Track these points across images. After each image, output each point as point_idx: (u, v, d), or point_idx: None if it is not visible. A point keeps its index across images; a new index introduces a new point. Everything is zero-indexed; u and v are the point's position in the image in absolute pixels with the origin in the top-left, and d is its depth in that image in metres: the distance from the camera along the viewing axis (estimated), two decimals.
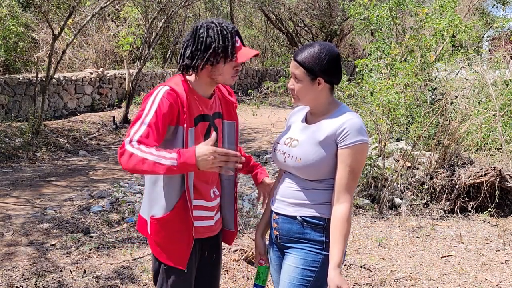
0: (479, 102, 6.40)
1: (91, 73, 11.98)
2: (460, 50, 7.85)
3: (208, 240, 2.24)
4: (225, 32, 2.03)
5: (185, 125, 2.02)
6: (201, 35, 2.04)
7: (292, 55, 2.06)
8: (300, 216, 2.04)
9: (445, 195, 5.49)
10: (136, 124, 1.97)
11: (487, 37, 16.07)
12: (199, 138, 2.10)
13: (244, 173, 2.47)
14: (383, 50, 6.99)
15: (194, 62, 2.04)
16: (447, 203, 5.46)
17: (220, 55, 2.02)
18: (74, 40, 10.74)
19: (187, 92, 2.05)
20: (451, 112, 5.91)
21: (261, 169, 2.45)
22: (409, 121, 6.23)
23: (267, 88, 7.86)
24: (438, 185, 5.50)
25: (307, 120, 2.13)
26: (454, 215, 5.38)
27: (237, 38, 2.07)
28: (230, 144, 2.29)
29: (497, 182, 5.31)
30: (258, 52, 2.10)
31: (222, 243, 2.39)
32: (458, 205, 5.43)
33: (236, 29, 2.08)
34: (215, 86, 2.17)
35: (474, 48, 10.92)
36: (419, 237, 4.82)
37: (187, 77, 2.13)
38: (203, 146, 1.89)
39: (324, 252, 2.01)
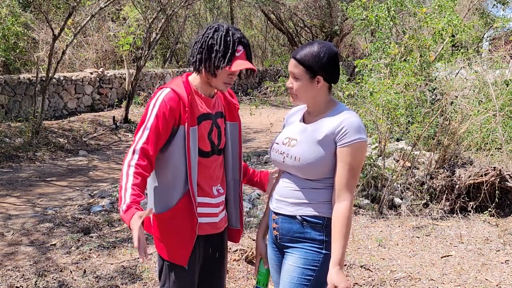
0: (479, 102, 6.40)
1: (91, 73, 11.98)
2: (460, 50, 7.85)
3: (212, 238, 2.24)
4: (228, 39, 2.06)
5: (186, 124, 2.05)
6: (207, 35, 2.08)
7: (291, 55, 2.07)
8: (300, 216, 2.04)
9: (445, 195, 5.49)
10: (140, 130, 2.04)
11: (487, 37, 16.07)
12: (203, 137, 2.13)
13: (243, 183, 2.46)
14: (383, 50, 6.99)
15: (201, 59, 2.08)
16: (447, 203, 5.46)
17: (218, 59, 2.05)
18: (74, 40, 10.74)
19: (189, 92, 2.09)
20: (451, 112, 5.91)
21: (261, 173, 2.48)
22: (409, 121, 6.23)
23: (267, 88, 7.87)
24: (438, 185, 5.50)
25: (305, 119, 2.13)
26: (454, 215, 5.38)
27: (240, 47, 2.08)
28: (234, 144, 2.31)
29: (497, 182, 5.31)
30: (253, 67, 2.10)
31: (228, 242, 2.39)
32: (458, 205, 5.43)
33: (243, 40, 2.09)
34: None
35: (474, 48, 10.92)
36: (419, 237, 4.82)
37: (189, 78, 2.17)
38: (137, 220, 1.81)
39: (324, 251, 2.01)
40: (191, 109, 2.07)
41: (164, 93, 2.07)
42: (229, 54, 2.04)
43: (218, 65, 2.05)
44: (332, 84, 2.08)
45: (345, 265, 4.07)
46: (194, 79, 2.17)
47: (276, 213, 2.12)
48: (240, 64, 2.07)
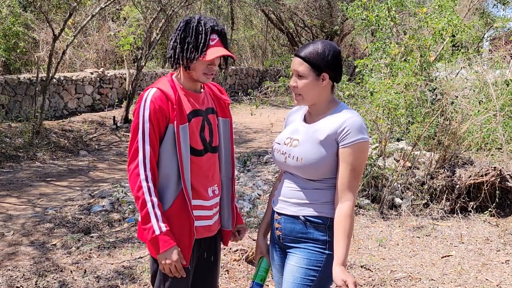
0: (479, 102, 6.39)
1: (92, 73, 11.98)
2: (460, 50, 7.85)
3: (206, 241, 2.21)
4: (200, 29, 2.02)
5: (175, 122, 2.02)
6: (180, 29, 2.06)
7: (294, 53, 2.04)
8: (303, 216, 2.03)
9: (445, 195, 5.49)
10: (138, 136, 2.02)
11: (487, 37, 16.06)
12: (194, 134, 2.09)
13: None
14: (383, 50, 6.98)
15: (175, 54, 2.06)
16: (448, 203, 5.46)
17: (189, 50, 2.02)
18: (75, 40, 10.74)
19: (175, 90, 2.06)
20: (451, 112, 5.91)
21: (238, 220, 2.38)
22: (409, 121, 6.23)
23: (267, 88, 7.87)
24: (439, 185, 5.50)
25: (306, 119, 2.12)
26: (455, 215, 5.38)
27: (214, 36, 2.04)
28: (226, 141, 2.26)
29: (497, 182, 5.31)
30: (229, 53, 2.06)
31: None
32: (458, 205, 5.43)
33: (217, 28, 2.05)
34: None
35: (474, 48, 10.92)
36: (419, 237, 4.82)
37: (173, 76, 2.14)
38: (177, 253, 2.01)
39: (327, 252, 2.01)
40: (179, 107, 2.03)
41: (151, 93, 2.03)
42: (201, 44, 2.01)
43: (191, 57, 2.02)
44: (335, 84, 2.07)
45: (346, 265, 4.07)
46: (178, 76, 2.14)
47: (279, 213, 2.11)
48: (215, 52, 2.02)
